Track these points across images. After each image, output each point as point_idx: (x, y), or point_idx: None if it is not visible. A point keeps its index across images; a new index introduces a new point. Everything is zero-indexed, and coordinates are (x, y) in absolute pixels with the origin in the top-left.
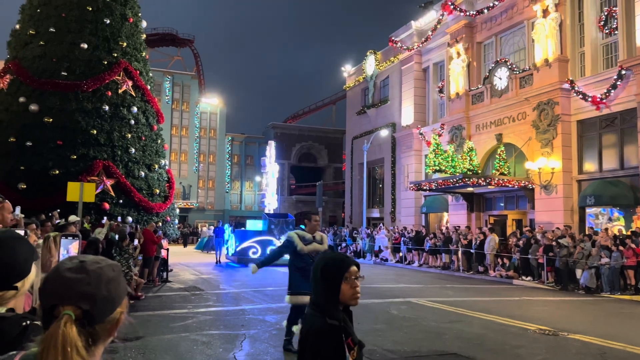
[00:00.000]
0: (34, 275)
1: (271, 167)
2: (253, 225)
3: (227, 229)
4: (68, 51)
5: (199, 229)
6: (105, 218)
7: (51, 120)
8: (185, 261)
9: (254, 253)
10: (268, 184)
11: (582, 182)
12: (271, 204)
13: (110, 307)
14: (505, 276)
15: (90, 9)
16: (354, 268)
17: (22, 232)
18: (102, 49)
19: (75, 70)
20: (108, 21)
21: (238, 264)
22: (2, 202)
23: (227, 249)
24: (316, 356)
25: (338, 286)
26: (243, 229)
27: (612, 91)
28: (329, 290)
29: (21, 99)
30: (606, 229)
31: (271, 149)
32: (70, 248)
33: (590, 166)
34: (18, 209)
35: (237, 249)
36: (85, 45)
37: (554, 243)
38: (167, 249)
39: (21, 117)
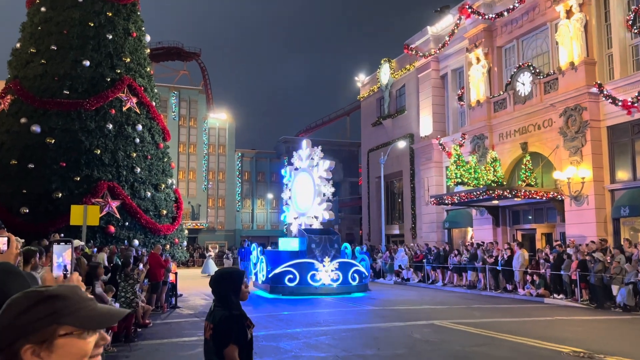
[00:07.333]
0: None
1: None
2: (286, 244)
3: (255, 250)
4: (70, 69)
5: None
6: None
7: (53, 140)
8: (205, 289)
9: (290, 280)
10: (321, 191)
11: (615, 191)
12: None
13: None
14: (536, 294)
15: (93, 24)
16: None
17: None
18: (105, 66)
19: (78, 88)
20: (111, 37)
21: (271, 293)
22: None
23: (256, 274)
24: (228, 335)
25: (239, 289)
26: (270, 248)
27: None
28: (234, 292)
29: (22, 120)
30: None
31: (309, 146)
32: (64, 255)
33: (623, 174)
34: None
35: (270, 275)
36: (88, 63)
37: (587, 258)
38: (176, 273)
39: (23, 138)
